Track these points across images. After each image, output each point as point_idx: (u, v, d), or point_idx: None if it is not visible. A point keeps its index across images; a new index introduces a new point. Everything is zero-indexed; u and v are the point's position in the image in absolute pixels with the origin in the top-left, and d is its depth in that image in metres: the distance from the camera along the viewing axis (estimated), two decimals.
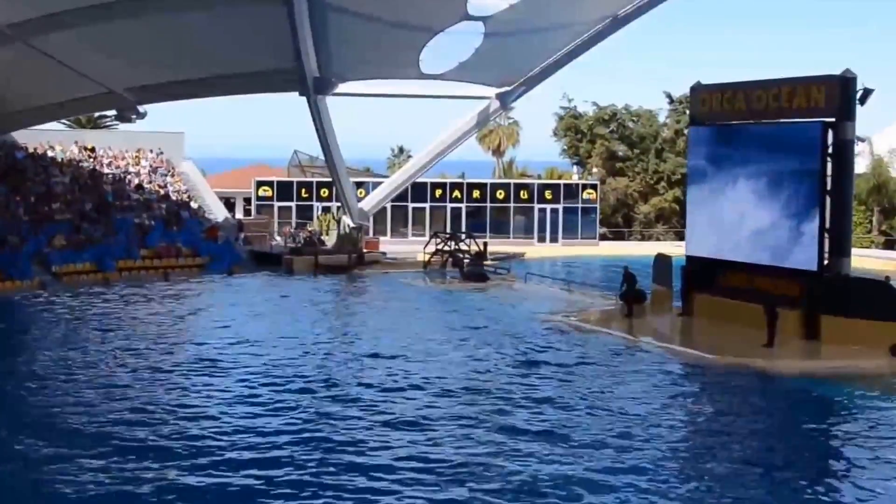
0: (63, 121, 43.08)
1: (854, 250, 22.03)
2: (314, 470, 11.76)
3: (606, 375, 17.20)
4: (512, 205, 42.66)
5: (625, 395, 15.65)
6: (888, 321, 18.65)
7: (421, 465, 12.07)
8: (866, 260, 31.74)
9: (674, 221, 45.95)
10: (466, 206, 42.27)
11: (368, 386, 16.02)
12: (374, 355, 18.56)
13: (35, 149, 36.44)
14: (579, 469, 11.87)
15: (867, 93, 19.75)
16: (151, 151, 39.49)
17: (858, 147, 21.46)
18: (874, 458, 12.77)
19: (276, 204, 42.03)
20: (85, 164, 36.84)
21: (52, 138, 37.63)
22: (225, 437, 12.96)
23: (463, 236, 34.72)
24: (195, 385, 16.12)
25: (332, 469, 11.81)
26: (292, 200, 42.01)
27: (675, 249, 26.92)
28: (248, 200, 45.22)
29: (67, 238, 30.49)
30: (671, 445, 13.21)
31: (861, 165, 37.64)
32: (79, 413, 14.14)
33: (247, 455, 12.23)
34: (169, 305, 25.40)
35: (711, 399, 16.42)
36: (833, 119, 19.87)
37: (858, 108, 19.82)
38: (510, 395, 15.63)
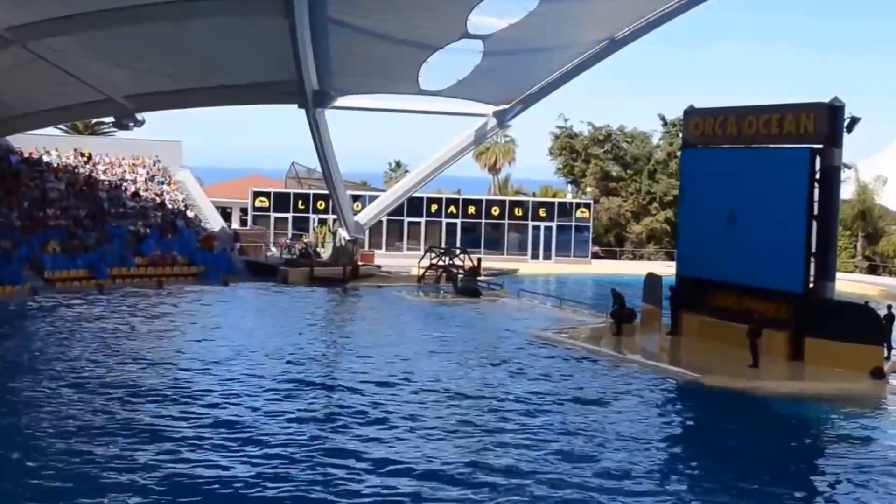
0: (60, 126, 43.25)
1: (839, 275, 22.40)
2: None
3: (591, 392, 17.38)
4: (506, 221, 43.02)
5: (608, 412, 15.86)
6: (870, 344, 19.01)
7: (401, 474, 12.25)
8: (850, 284, 32.16)
9: (665, 242, 46.37)
10: (461, 222, 42.60)
11: (348, 405, 15.78)
12: (360, 368, 18.71)
13: (30, 153, 36.63)
14: (563, 486, 12.08)
15: (854, 121, 20.20)
16: (149, 159, 39.73)
17: (845, 174, 21.86)
18: (854, 478, 13.01)
19: (273, 215, 42.27)
20: (81, 171, 37.02)
21: (48, 143, 37.81)
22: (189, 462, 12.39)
23: (457, 251, 35.01)
24: (167, 402, 15.65)
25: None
26: (289, 212, 42.26)
27: (666, 269, 27.24)
28: (244, 211, 45.45)
29: (61, 244, 30.64)
30: (651, 462, 13.40)
31: (847, 192, 38.24)
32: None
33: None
34: (155, 314, 25.35)
35: (695, 417, 16.66)
36: (821, 145, 20.31)
37: (845, 135, 20.26)
38: (496, 409, 15.84)
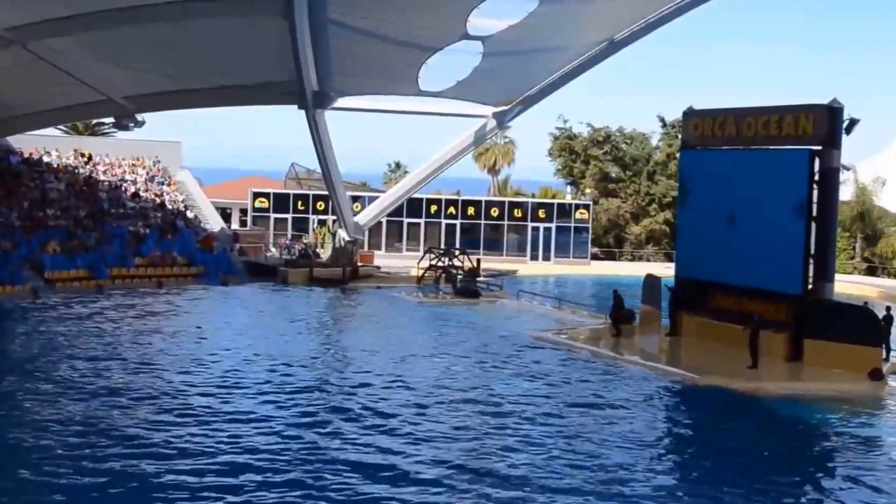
0: (60, 127, 43.32)
1: (837, 276, 22.44)
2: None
3: (590, 393, 17.38)
4: (506, 222, 43.09)
5: (607, 413, 15.86)
6: (868, 346, 19.04)
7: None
8: (849, 286, 32.21)
9: (664, 243, 46.43)
10: (461, 223, 42.66)
11: (345, 408, 15.64)
12: (358, 370, 18.72)
13: (31, 154, 36.67)
14: (561, 488, 12.07)
15: (853, 122, 20.24)
16: (149, 160, 39.78)
17: (844, 175, 21.90)
18: (852, 479, 13.04)
19: (273, 215, 42.34)
20: (81, 171, 37.07)
21: (49, 144, 37.87)
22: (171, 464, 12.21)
23: (457, 252, 35.05)
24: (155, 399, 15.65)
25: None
26: (288, 212, 42.32)
27: (665, 270, 27.27)
28: (244, 211, 45.51)
29: (61, 244, 30.68)
30: (650, 463, 13.40)
31: (846, 193, 38.35)
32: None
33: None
34: (153, 315, 25.27)
35: (694, 418, 16.68)
36: (820, 147, 20.35)
37: (844, 137, 20.30)
38: (495, 411, 15.84)
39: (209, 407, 15.32)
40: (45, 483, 11.52)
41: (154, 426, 14.05)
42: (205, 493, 11.34)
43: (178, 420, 14.51)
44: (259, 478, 11.89)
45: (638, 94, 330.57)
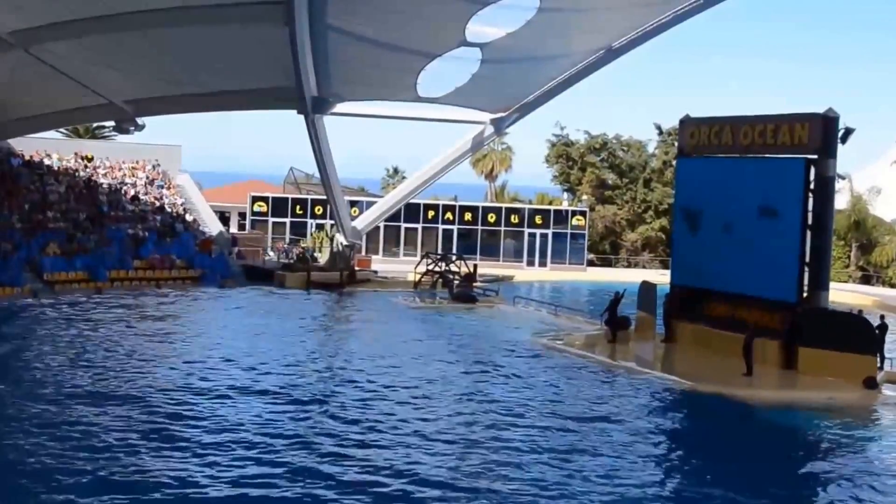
0: (61, 130, 43.44)
1: (832, 284, 22.59)
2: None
3: (585, 400, 17.48)
4: (502, 228, 43.25)
5: (602, 420, 15.93)
6: (863, 354, 19.20)
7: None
8: (844, 294, 32.38)
9: (660, 250, 46.63)
10: (458, 228, 42.81)
11: (337, 413, 15.69)
12: (352, 375, 18.82)
13: (31, 156, 36.77)
14: (555, 495, 12.16)
15: (848, 132, 20.43)
16: (149, 163, 39.90)
17: (839, 184, 22.08)
18: (844, 487, 13.17)
19: (271, 220, 42.44)
20: (81, 174, 37.18)
21: (49, 147, 37.99)
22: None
23: (453, 258, 35.19)
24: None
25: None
26: (287, 217, 42.43)
27: (661, 277, 27.43)
28: (242, 215, 45.59)
29: (61, 246, 30.76)
30: (643, 470, 13.49)
31: (841, 202, 38.57)
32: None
33: None
34: (149, 318, 25.22)
35: (688, 425, 16.81)
36: (815, 156, 20.54)
37: (840, 146, 20.49)
38: (489, 417, 15.92)
39: (202, 413, 15.28)
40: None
41: (140, 432, 13.86)
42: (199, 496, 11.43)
43: (166, 424, 14.40)
44: (244, 489, 11.83)
45: (635, 102, 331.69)
